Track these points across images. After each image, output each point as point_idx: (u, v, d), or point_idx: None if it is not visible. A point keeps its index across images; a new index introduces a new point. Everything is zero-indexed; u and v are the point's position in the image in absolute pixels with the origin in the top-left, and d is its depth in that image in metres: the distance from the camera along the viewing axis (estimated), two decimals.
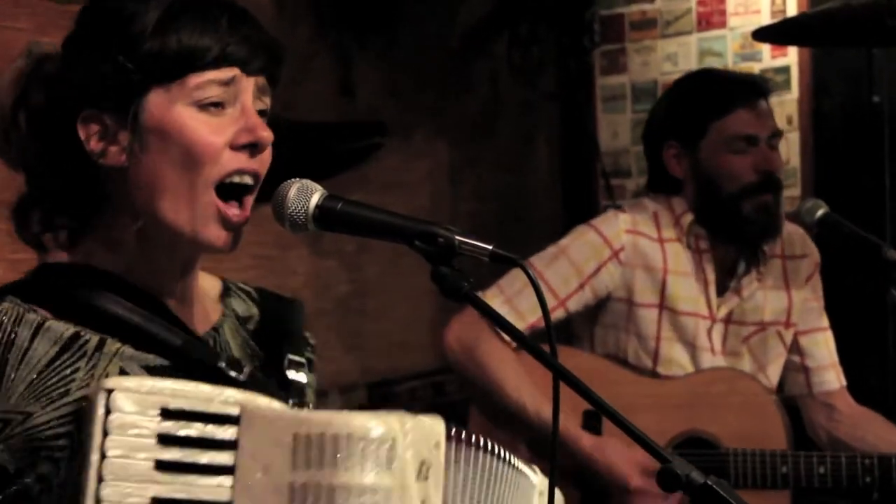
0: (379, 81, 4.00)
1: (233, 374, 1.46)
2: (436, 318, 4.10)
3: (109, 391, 1.28)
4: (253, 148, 1.48)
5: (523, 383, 2.70)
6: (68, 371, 1.38)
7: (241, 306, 1.66)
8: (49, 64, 1.51)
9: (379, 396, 4.00)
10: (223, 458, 1.32)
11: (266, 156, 1.51)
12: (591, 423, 2.69)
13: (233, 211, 1.48)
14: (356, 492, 1.28)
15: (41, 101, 1.49)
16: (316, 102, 3.78)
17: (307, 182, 1.47)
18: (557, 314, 2.78)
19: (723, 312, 2.85)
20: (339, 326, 3.90)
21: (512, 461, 1.53)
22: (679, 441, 2.74)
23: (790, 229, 2.93)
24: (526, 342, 1.40)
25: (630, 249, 2.82)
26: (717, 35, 4.38)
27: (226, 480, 1.32)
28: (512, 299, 2.75)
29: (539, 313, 2.66)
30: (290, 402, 1.42)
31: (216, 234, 1.48)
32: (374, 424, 1.30)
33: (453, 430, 1.41)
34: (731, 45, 4.35)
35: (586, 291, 2.81)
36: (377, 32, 3.95)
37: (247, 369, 1.47)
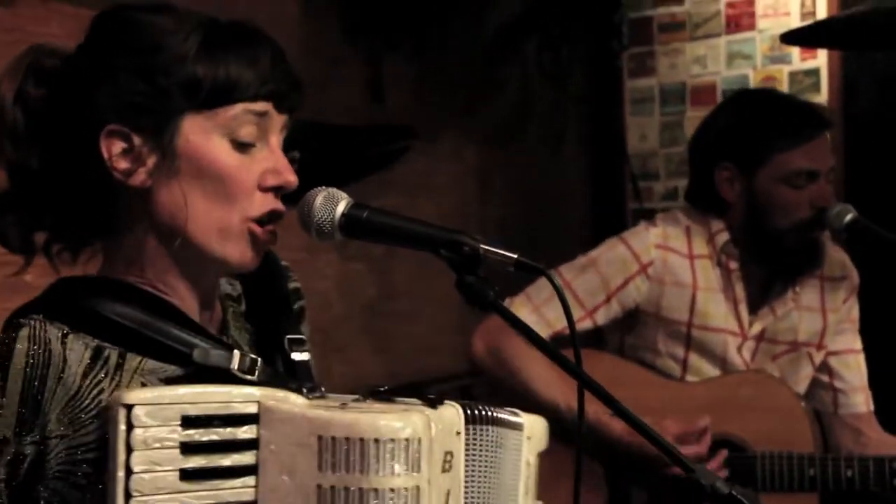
0: (407, 85, 4.01)
1: (246, 377, 1.44)
2: (463, 321, 4.10)
3: (129, 406, 1.28)
4: (279, 190, 1.49)
5: (553, 379, 2.70)
6: (96, 391, 1.38)
7: (228, 287, 1.65)
8: (50, 59, 1.49)
9: None
10: (246, 458, 1.33)
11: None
12: None
13: (266, 237, 1.49)
14: (387, 494, 1.29)
15: (41, 95, 1.47)
16: (344, 106, 3.79)
17: (333, 190, 1.48)
18: (584, 325, 2.79)
19: (755, 329, 2.84)
20: (366, 330, 3.91)
21: (508, 420, 1.52)
22: (710, 440, 2.73)
23: (830, 248, 2.90)
24: (550, 351, 1.41)
25: (659, 264, 2.81)
26: (746, 37, 4.37)
27: (250, 480, 1.33)
28: (540, 308, 2.75)
29: (565, 322, 2.70)
30: (304, 389, 1.40)
31: (246, 255, 1.49)
32: (400, 426, 1.31)
33: (468, 413, 1.43)
34: (761, 48, 4.34)
35: (613, 304, 2.81)
36: (405, 35, 3.96)
37: (259, 365, 1.45)
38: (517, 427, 1.54)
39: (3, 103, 1.46)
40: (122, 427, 1.27)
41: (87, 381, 1.38)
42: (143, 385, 1.40)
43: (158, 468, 1.28)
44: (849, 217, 2.66)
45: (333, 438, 1.30)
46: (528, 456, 1.57)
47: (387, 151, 3.92)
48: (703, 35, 4.49)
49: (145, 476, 1.27)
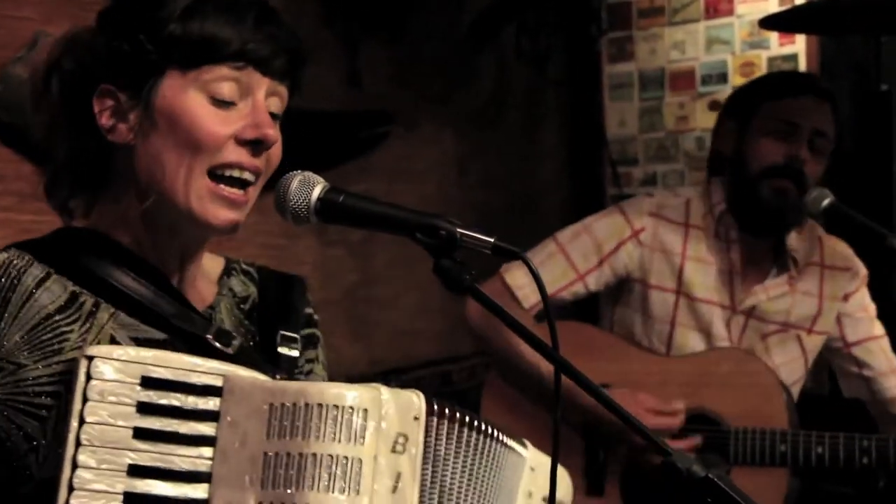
0: (385, 70, 4.00)
1: (219, 346, 1.48)
2: (443, 307, 4.10)
3: (90, 358, 1.29)
4: (257, 144, 1.49)
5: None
6: (63, 329, 1.40)
7: (239, 286, 1.67)
8: (86, 34, 1.54)
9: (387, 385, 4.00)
10: (204, 428, 1.33)
11: (274, 154, 1.53)
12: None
13: (229, 191, 1.49)
14: (326, 461, 1.29)
15: (72, 67, 1.52)
16: (322, 91, 3.77)
17: (309, 174, 1.48)
18: (577, 289, 2.85)
19: (746, 305, 2.86)
20: (346, 316, 3.90)
21: (500, 437, 1.52)
22: (685, 417, 2.76)
23: (834, 241, 2.95)
24: (525, 333, 1.40)
25: (651, 231, 2.86)
26: (725, 23, 4.37)
27: (206, 451, 1.33)
28: None
29: (560, 284, 2.82)
30: (278, 376, 1.40)
31: (213, 213, 1.49)
32: (347, 393, 1.31)
33: (436, 405, 1.42)
34: (739, 33, 4.34)
35: (605, 269, 2.86)
36: (384, 21, 3.95)
37: (236, 342, 1.49)
38: (509, 447, 1.54)
39: (39, 76, 1.53)
40: (82, 377, 1.29)
41: (57, 319, 1.40)
42: (113, 338, 1.42)
43: (111, 421, 1.29)
44: (826, 202, 2.67)
45: (283, 405, 1.31)
46: (531, 488, 1.58)
47: (365, 137, 3.92)
48: (681, 20, 4.49)
49: (96, 427, 1.28)
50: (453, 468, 1.44)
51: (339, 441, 1.30)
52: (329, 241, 3.82)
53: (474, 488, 1.47)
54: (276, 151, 1.53)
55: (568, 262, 2.84)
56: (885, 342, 2.97)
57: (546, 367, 2.71)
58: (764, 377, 2.79)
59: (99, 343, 1.41)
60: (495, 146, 4.52)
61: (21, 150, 2.69)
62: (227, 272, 1.68)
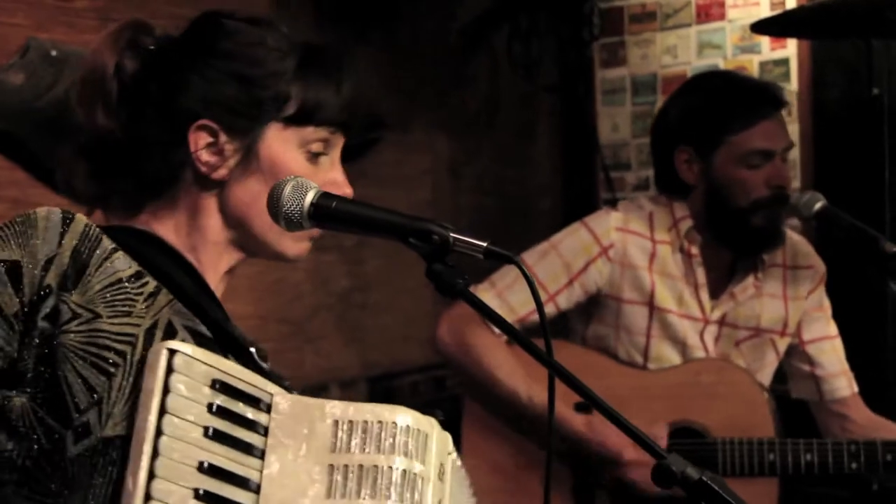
0: (378, 75, 4.00)
1: (263, 364, 1.54)
2: (436, 312, 4.09)
3: (173, 351, 1.33)
4: None
5: (515, 370, 2.72)
6: (133, 295, 1.44)
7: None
8: (147, 38, 1.61)
9: (379, 391, 4.01)
10: (258, 440, 1.38)
11: None
12: (583, 407, 2.72)
13: (319, 233, 1.64)
14: (397, 474, 1.36)
15: (135, 69, 1.58)
16: None
17: (302, 179, 1.48)
18: (548, 310, 2.79)
19: (716, 314, 2.86)
20: (339, 321, 3.90)
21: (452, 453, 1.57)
22: (669, 431, 2.75)
23: (796, 240, 2.93)
24: (519, 338, 1.41)
25: (619, 247, 2.82)
26: (717, 27, 4.38)
27: (256, 463, 1.38)
28: (503, 293, 2.78)
29: (530, 307, 2.75)
30: (294, 391, 1.48)
31: (302, 249, 1.67)
32: (413, 418, 1.40)
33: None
34: (731, 38, 4.35)
35: (575, 288, 2.82)
36: (376, 26, 3.95)
37: (268, 360, 1.56)
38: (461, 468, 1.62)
39: (104, 72, 1.57)
40: (163, 368, 1.33)
41: (126, 286, 1.44)
42: (170, 323, 1.46)
43: (189, 417, 1.33)
44: (818, 205, 2.67)
45: (351, 422, 1.38)
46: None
47: (357, 142, 3.91)
48: (673, 25, 4.50)
49: (176, 420, 1.32)
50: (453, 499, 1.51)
51: (408, 457, 1.38)
52: (322, 246, 3.80)
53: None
54: None
55: (537, 283, 2.76)
56: (839, 343, 2.96)
57: (525, 393, 2.70)
58: (746, 386, 2.79)
59: (157, 321, 1.45)
60: (488, 151, 4.53)
61: (14, 157, 2.69)
62: None
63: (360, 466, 1.36)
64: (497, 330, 2.74)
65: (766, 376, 2.92)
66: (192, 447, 1.32)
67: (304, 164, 1.61)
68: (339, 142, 1.67)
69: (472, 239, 1.41)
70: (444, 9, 4.30)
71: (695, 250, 2.82)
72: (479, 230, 1.44)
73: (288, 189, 1.47)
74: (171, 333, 1.45)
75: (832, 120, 4.10)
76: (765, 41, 4.26)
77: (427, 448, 1.40)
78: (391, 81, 4.05)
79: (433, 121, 4.25)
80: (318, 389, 3.76)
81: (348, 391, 3.88)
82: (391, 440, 1.37)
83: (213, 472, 1.33)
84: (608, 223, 2.84)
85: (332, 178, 1.65)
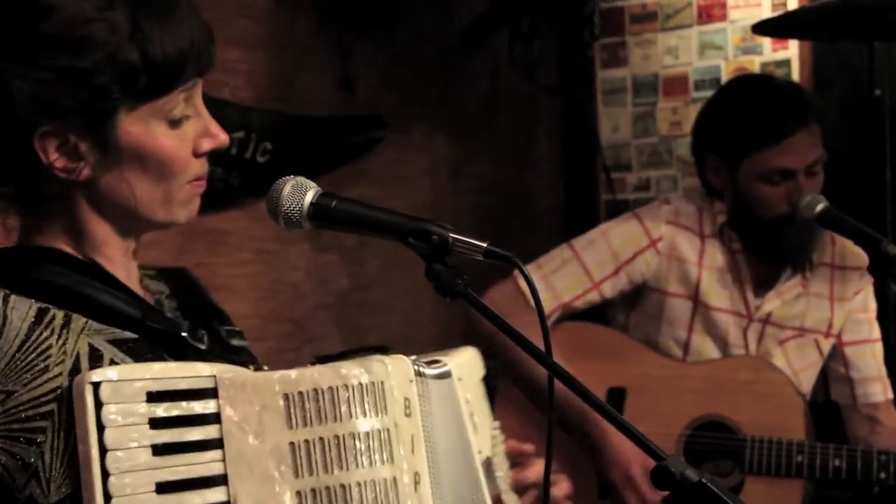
0: (378, 75, 4.00)
1: (197, 344, 1.45)
2: (436, 312, 4.10)
3: (96, 384, 1.26)
4: (213, 151, 1.50)
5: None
6: (43, 346, 1.34)
7: (155, 286, 1.62)
8: None
9: None
10: (210, 431, 1.32)
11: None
12: (615, 401, 2.75)
13: (199, 188, 1.51)
14: (361, 437, 1.32)
15: None
16: (315, 96, 3.78)
17: (301, 179, 1.47)
18: (591, 297, 2.84)
19: (762, 312, 2.86)
20: (339, 321, 3.90)
21: (439, 371, 1.52)
22: (699, 424, 2.77)
23: (845, 241, 2.86)
24: (521, 340, 1.40)
25: (668, 240, 2.85)
26: (718, 28, 4.37)
27: (216, 454, 1.32)
28: (549, 276, 2.81)
29: (575, 292, 2.81)
30: (251, 367, 1.40)
31: (191, 212, 1.51)
32: (360, 371, 1.34)
33: (414, 365, 1.44)
34: (732, 39, 4.34)
35: (621, 277, 2.85)
36: (376, 26, 3.95)
37: (205, 338, 1.47)
38: (445, 375, 1.54)
39: None
40: (90, 404, 1.26)
41: (33, 337, 1.34)
42: (92, 346, 1.37)
43: (133, 444, 1.27)
44: (820, 207, 2.66)
45: (300, 393, 1.32)
46: (466, 394, 1.58)
47: (357, 142, 3.91)
48: (674, 26, 4.49)
49: (119, 453, 1.26)
50: (432, 421, 1.45)
51: (370, 417, 1.33)
52: (322, 246, 3.82)
53: (446, 432, 1.49)
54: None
55: (583, 269, 2.83)
56: (879, 347, 2.96)
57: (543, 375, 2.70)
58: (782, 387, 2.78)
59: (79, 353, 1.36)
60: (488, 152, 4.52)
61: None
62: (140, 276, 1.61)
63: (321, 439, 1.31)
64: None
65: (808, 377, 2.91)
66: (144, 472, 1.27)
67: (169, 134, 1.43)
68: (197, 91, 1.46)
69: (472, 239, 1.41)
70: (444, 9, 4.29)
71: (736, 245, 2.84)
72: (478, 231, 1.43)
73: (287, 189, 1.45)
74: (97, 358, 1.36)
75: (828, 122, 4.08)
76: (766, 42, 4.25)
77: (385, 395, 1.34)
78: (391, 81, 4.04)
79: (433, 121, 4.25)
80: None
81: None
82: (345, 405, 1.32)
83: (174, 486, 1.28)
84: (659, 216, 2.88)
85: (203, 129, 1.47)
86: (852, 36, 3.29)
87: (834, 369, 2.96)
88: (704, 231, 2.86)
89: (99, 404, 1.26)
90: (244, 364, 1.42)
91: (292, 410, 1.32)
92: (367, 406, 1.33)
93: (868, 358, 2.94)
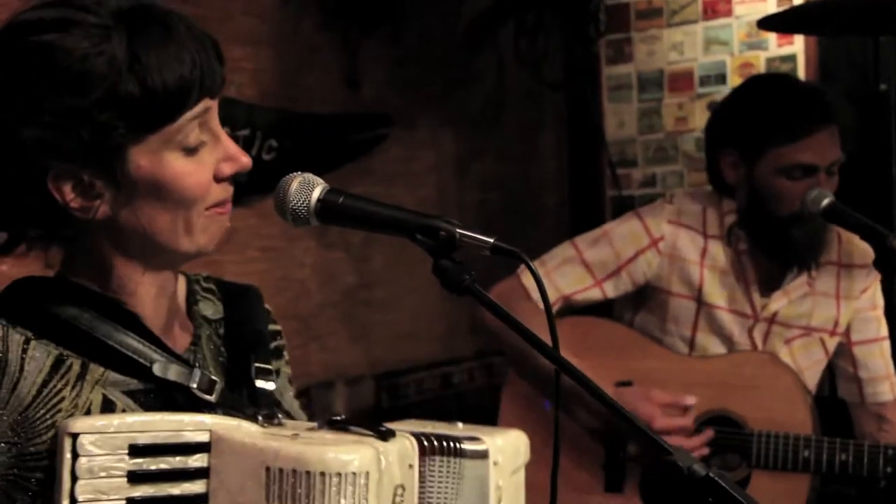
0: (383, 72, 4.00)
1: (205, 396, 1.43)
2: (443, 309, 4.11)
3: (74, 435, 1.26)
4: (235, 176, 1.47)
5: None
6: (55, 401, 1.35)
7: (209, 308, 1.62)
8: None
9: (386, 388, 4.00)
10: (196, 487, 1.31)
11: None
12: (623, 385, 2.78)
13: (221, 212, 1.47)
14: None
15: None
16: (321, 94, 3.78)
17: (309, 176, 1.46)
18: (593, 294, 2.86)
19: (768, 311, 2.85)
20: (345, 318, 3.90)
21: (467, 449, 1.47)
22: (706, 419, 2.77)
23: (851, 237, 2.87)
24: (529, 335, 1.40)
25: (670, 240, 2.85)
26: (724, 24, 4.37)
27: None
28: (551, 273, 2.83)
29: (575, 287, 2.84)
30: (259, 417, 1.38)
31: (213, 238, 1.47)
32: (347, 459, 1.28)
33: (424, 442, 1.40)
34: (738, 34, 4.34)
35: (623, 276, 2.86)
36: (382, 23, 3.95)
37: (218, 387, 1.44)
38: (481, 456, 1.48)
39: None
40: (68, 455, 1.25)
41: (46, 391, 1.35)
42: (105, 397, 1.38)
43: (104, 497, 1.26)
44: (825, 201, 2.66)
45: (281, 470, 1.27)
46: (498, 480, 1.52)
47: (364, 139, 3.92)
48: (680, 21, 4.49)
49: None
50: (440, 497, 1.43)
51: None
52: (328, 243, 3.82)
53: None
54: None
55: (585, 267, 2.84)
56: (887, 345, 2.94)
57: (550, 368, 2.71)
58: (788, 381, 2.78)
59: (91, 403, 1.37)
60: (494, 148, 4.52)
61: None
62: (191, 296, 1.61)
63: None
64: (541, 306, 2.77)
65: (813, 375, 2.91)
66: None
67: (184, 162, 1.40)
68: (213, 115, 1.43)
69: (479, 235, 1.40)
70: (449, 5, 4.29)
71: (742, 246, 2.83)
72: (484, 227, 1.43)
73: (294, 185, 1.44)
74: (109, 409, 1.37)
75: (843, 120, 4.08)
76: (772, 37, 4.25)
77: (369, 486, 1.28)
78: (396, 78, 4.04)
79: (439, 118, 4.25)
80: (324, 386, 3.76)
81: (354, 388, 3.88)
82: (321, 497, 1.26)
83: None
84: (661, 215, 2.88)
85: (222, 153, 1.44)
86: (858, 31, 3.29)
87: (842, 368, 2.96)
88: (708, 231, 2.86)
89: (75, 455, 1.26)
90: (253, 415, 1.39)
91: (272, 486, 1.27)
92: (344, 498, 1.26)
93: (877, 357, 2.94)
